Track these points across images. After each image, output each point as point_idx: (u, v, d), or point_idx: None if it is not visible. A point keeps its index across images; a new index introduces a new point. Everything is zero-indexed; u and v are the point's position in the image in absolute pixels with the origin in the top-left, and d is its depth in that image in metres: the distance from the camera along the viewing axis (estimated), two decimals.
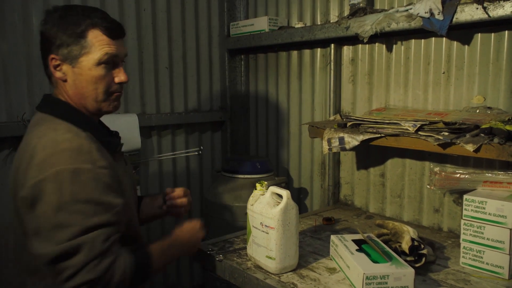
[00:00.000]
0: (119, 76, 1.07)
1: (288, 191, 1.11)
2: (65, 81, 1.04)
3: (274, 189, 1.14)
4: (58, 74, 1.03)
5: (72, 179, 0.92)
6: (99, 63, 1.03)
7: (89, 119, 1.07)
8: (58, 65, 1.03)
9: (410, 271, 0.98)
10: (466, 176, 1.27)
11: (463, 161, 1.38)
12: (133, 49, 1.76)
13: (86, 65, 1.02)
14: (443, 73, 1.43)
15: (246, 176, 1.78)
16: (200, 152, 1.94)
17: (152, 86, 1.84)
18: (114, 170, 1.02)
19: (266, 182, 1.20)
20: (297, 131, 1.91)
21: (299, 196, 1.95)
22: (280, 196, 1.12)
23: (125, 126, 1.65)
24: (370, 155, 1.65)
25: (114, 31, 1.06)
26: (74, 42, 1.02)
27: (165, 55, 1.88)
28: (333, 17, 1.74)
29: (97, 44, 1.03)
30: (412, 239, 1.16)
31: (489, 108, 1.32)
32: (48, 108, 1.05)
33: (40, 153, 0.94)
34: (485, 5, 1.17)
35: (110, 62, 1.05)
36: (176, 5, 1.91)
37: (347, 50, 1.70)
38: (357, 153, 1.70)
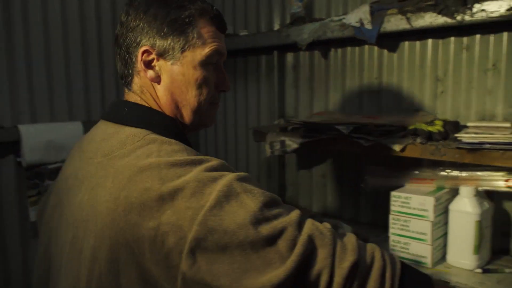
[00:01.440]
0: (225, 83, 0.86)
1: None
2: (161, 82, 0.80)
3: None
4: (150, 73, 0.79)
5: (245, 186, 0.66)
6: (206, 61, 0.80)
7: (186, 137, 0.84)
8: (151, 61, 0.79)
9: None
10: (395, 175, 1.37)
11: (393, 160, 1.47)
12: (76, 53, 1.75)
13: (190, 62, 0.79)
14: (376, 78, 1.52)
15: None
16: None
17: (98, 92, 1.84)
18: None
19: None
20: (244, 135, 1.97)
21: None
22: None
23: (70, 135, 1.63)
24: (312, 157, 1.73)
25: (222, 22, 0.84)
26: (178, 32, 0.78)
27: (111, 63, 1.88)
28: (276, 26, 1.81)
29: (207, 36, 0.80)
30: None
31: (416, 110, 1.42)
32: (146, 123, 0.77)
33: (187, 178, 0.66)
34: (408, 16, 1.27)
35: (216, 63, 0.83)
36: None
37: (289, 57, 1.78)
38: (300, 156, 1.77)
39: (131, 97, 0.83)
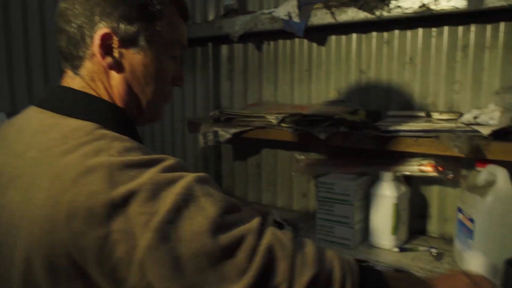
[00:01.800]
0: (181, 77, 0.83)
1: None
2: (118, 71, 0.72)
3: None
4: (109, 60, 0.71)
5: (205, 189, 0.61)
6: (172, 54, 0.77)
7: (137, 132, 0.77)
8: (111, 47, 0.70)
9: None
10: (323, 163, 1.43)
11: (321, 149, 1.54)
12: None
13: (155, 53, 0.73)
14: (306, 70, 1.58)
15: None
16: None
17: (24, 82, 1.76)
18: None
19: None
20: (180, 127, 1.96)
21: None
22: None
23: None
24: (246, 147, 1.76)
25: (188, 13, 0.80)
26: (146, 19, 0.71)
27: (38, 50, 1.80)
28: (211, 17, 1.82)
29: (175, 28, 0.76)
30: (274, 220, 1.29)
31: (342, 101, 1.49)
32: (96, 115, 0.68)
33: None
34: (332, 10, 1.33)
35: (177, 56, 0.79)
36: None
37: (224, 49, 1.80)
38: (235, 146, 1.80)
39: (76, 83, 0.72)
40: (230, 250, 0.56)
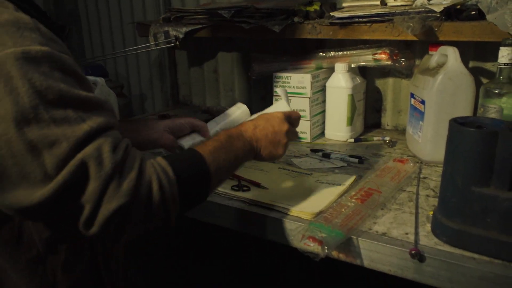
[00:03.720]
0: None
1: None
2: None
3: None
4: None
5: (25, 67, 0.52)
6: None
7: None
8: None
9: None
10: (279, 59, 1.40)
11: (277, 46, 1.49)
12: None
13: None
14: None
15: None
16: None
17: None
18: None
19: None
20: (131, 33, 1.86)
21: (141, 101, 1.95)
22: None
23: None
24: (202, 52, 1.69)
25: None
26: None
27: None
28: None
29: None
30: None
31: None
32: None
33: None
34: None
35: None
36: None
37: None
38: (191, 52, 1.73)
39: None
40: (37, 149, 0.50)
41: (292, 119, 0.84)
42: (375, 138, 1.27)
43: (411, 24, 1.05)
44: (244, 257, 1.15)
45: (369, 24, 1.15)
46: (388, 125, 1.40)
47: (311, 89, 1.22)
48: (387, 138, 1.24)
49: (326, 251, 0.68)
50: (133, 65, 1.91)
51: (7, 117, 0.49)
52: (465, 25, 1.04)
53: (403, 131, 1.36)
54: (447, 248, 0.69)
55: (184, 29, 1.39)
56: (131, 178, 0.54)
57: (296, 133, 0.86)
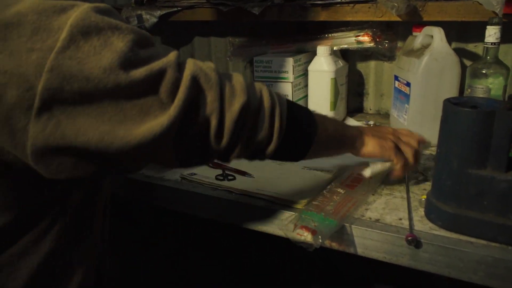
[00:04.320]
0: None
1: None
2: None
3: None
4: None
5: (108, 20, 0.51)
6: None
7: None
8: None
9: None
10: (259, 43, 1.35)
11: (256, 28, 1.44)
12: None
13: None
14: None
15: None
16: None
17: None
18: None
19: None
20: None
21: None
22: None
23: None
24: (177, 37, 1.63)
25: None
26: None
27: None
28: None
29: None
30: None
31: None
32: None
33: None
34: None
35: None
36: None
37: None
38: (165, 37, 1.66)
39: None
40: (150, 83, 0.50)
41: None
42: (358, 122, 1.25)
43: (395, 4, 1.02)
44: (244, 257, 1.12)
45: (351, 4, 1.11)
46: (370, 109, 1.38)
47: (293, 74, 1.18)
48: (371, 122, 1.22)
49: (320, 240, 0.65)
50: None
51: (113, 67, 0.48)
52: (449, 4, 1.02)
53: (386, 115, 1.34)
54: (443, 232, 0.67)
55: (159, 12, 1.33)
56: (239, 81, 0.57)
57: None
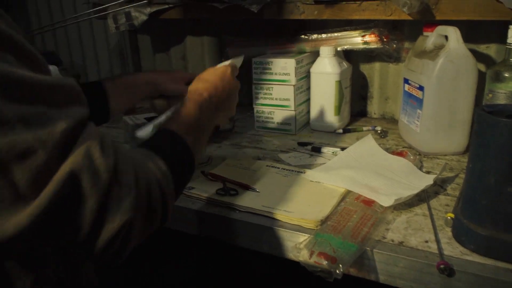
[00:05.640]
0: None
1: None
2: None
3: None
4: None
5: None
6: None
7: None
8: None
9: None
10: (256, 43, 1.27)
11: (254, 28, 1.36)
12: None
13: None
14: None
15: None
16: None
17: None
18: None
19: None
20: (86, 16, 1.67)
21: None
22: None
23: None
24: (168, 36, 1.53)
25: None
26: None
27: None
28: None
29: None
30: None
31: None
32: None
33: None
34: None
35: None
36: None
37: None
38: (155, 36, 1.56)
39: None
40: (4, 162, 0.36)
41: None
42: (364, 128, 1.17)
43: (408, 2, 0.94)
44: (244, 278, 1.03)
45: (358, 2, 1.04)
46: (375, 114, 1.31)
47: (295, 76, 1.10)
48: (378, 128, 1.14)
49: (341, 270, 0.57)
50: (90, 52, 1.72)
51: None
52: (465, 2, 0.95)
53: (391, 120, 1.27)
54: (476, 258, 0.60)
55: (149, 10, 1.23)
56: (131, 186, 0.44)
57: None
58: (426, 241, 0.64)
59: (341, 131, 1.15)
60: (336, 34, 1.17)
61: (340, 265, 0.57)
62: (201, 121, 0.65)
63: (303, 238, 0.66)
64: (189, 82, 0.88)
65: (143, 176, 0.47)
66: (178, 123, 0.61)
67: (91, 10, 1.35)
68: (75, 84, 0.44)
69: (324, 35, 1.18)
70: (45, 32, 1.68)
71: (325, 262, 0.57)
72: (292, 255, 0.63)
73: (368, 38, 1.13)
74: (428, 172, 0.88)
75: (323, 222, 0.68)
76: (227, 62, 0.80)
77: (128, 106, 0.90)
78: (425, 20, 1.02)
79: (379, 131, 1.13)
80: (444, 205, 0.75)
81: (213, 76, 0.74)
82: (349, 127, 1.18)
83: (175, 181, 0.53)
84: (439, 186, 0.82)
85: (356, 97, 1.30)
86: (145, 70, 1.61)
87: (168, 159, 0.53)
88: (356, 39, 1.14)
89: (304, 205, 0.74)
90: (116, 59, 1.67)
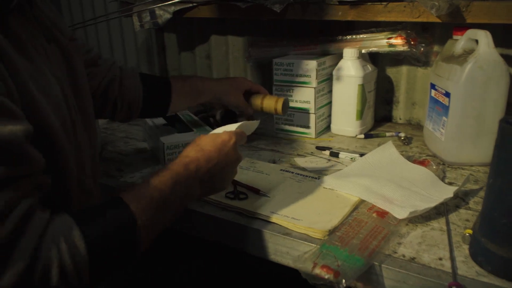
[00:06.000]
0: None
1: None
2: None
3: None
4: None
5: None
6: None
7: None
8: None
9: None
10: (279, 44, 1.24)
11: (277, 28, 1.33)
12: None
13: None
14: None
15: None
16: None
17: None
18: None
19: None
20: (114, 14, 1.69)
21: None
22: None
23: None
24: (193, 35, 1.53)
25: None
26: None
27: None
28: None
29: None
30: (226, 110, 1.12)
31: None
32: None
33: None
34: None
35: None
36: None
37: None
38: (180, 35, 1.56)
39: None
40: None
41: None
42: (387, 134, 1.13)
43: (436, 3, 0.90)
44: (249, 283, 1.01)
45: (384, 3, 1.00)
46: (400, 119, 1.26)
47: (316, 78, 1.07)
48: (402, 134, 1.09)
49: (344, 285, 0.54)
50: (119, 50, 1.75)
51: None
52: (499, 5, 0.90)
53: (417, 126, 1.22)
54: (493, 280, 0.56)
55: (173, 8, 1.23)
56: (16, 272, 0.42)
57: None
58: (440, 259, 0.61)
59: (362, 136, 1.11)
60: (361, 35, 1.13)
61: (343, 280, 0.54)
62: (170, 199, 0.58)
63: (308, 248, 0.63)
64: (248, 92, 1.03)
65: (42, 255, 0.45)
66: (138, 198, 0.54)
67: (120, 9, 1.37)
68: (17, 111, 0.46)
69: (348, 37, 1.15)
70: (75, 29, 1.72)
71: (327, 276, 0.54)
72: (295, 265, 0.61)
73: (394, 40, 1.08)
74: (450, 183, 0.84)
75: (331, 232, 0.65)
76: (235, 126, 0.73)
77: (188, 106, 1.00)
78: (456, 23, 0.96)
79: (402, 138, 1.08)
80: (464, 220, 0.71)
81: (210, 146, 0.66)
82: (372, 132, 1.14)
83: (94, 263, 0.49)
84: (460, 199, 0.78)
85: (380, 101, 1.25)
86: (170, 68, 1.62)
87: (95, 239, 0.49)
88: (382, 42, 1.10)
89: (314, 213, 0.71)
90: (143, 56, 1.69)
